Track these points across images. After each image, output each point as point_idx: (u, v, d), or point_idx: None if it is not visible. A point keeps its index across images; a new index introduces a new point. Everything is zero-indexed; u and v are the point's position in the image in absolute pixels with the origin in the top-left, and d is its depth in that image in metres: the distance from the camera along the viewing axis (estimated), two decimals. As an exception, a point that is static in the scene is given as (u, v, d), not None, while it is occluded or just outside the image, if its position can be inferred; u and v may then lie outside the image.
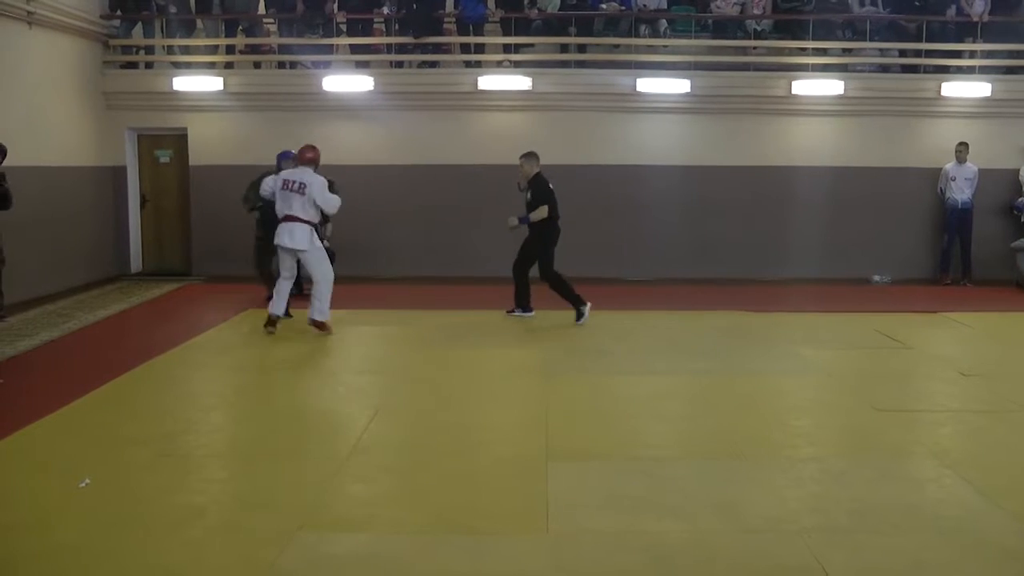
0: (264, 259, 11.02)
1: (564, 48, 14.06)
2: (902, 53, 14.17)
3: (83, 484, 5.44)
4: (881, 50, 14.20)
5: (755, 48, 14.17)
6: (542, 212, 10.32)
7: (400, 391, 7.79)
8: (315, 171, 9.68)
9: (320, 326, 9.76)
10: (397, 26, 14.00)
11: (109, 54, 13.84)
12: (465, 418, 7.06)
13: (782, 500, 5.37)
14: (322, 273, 9.70)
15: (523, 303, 10.81)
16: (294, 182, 9.53)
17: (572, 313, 10.51)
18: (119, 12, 13.76)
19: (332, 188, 9.95)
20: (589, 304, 10.46)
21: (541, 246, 10.51)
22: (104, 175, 13.77)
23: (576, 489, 5.52)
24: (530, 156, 10.58)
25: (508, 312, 10.84)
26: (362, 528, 4.96)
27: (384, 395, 7.64)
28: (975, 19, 13.71)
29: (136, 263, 14.36)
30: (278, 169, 10.51)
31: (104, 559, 4.56)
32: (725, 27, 14.35)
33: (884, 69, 14.20)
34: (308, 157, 9.75)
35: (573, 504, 5.27)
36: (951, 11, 13.81)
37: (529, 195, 10.53)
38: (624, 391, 7.71)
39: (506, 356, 9.04)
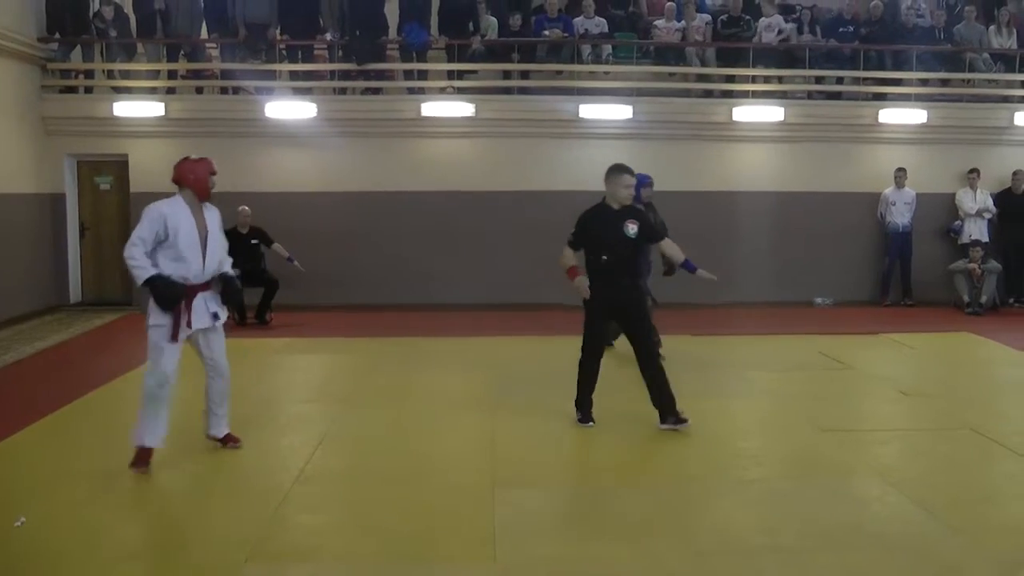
0: None
1: (507, 74, 14.12)
2: (840, 80, 14.46)
3: (18, 523, 5.28)
4: (818, 78, 14.45)
5: (696, 75, 14.35)
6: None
7: (345, 419, 7.69)
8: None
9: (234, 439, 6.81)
10: (340, 52, 13.95)
11: (47, 78, 13.57)
12: (411, 445, 7.00)
13: (731, 521, 5.40)
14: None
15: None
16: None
17: (518, 340, 10.51)
18: (58, 35, 13.50)
19: None
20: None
21: None
22: (43, 203, 13.47)
23: (524, 516, 5.49)
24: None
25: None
26: (309, 559, 4.89)
27: (329, 424, 7.53)
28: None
29: (76, 293, 14.03)
30: (637, 195, 8.47)
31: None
32: (666, 54, 14.53)
33: (820, 96, 14.46)
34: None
35: (521, 531, 5.24)
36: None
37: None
38: (571, 416, 7.69)
39: (451, 383, 9.00)
